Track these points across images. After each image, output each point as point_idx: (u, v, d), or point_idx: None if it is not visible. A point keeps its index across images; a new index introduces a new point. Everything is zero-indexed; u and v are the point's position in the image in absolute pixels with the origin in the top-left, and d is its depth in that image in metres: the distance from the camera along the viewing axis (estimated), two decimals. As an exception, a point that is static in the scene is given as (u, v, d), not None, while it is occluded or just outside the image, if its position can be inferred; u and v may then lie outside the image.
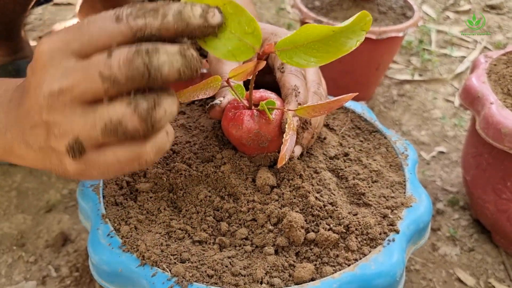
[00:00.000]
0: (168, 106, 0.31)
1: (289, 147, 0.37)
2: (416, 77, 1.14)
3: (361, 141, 0.53)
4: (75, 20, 1.27)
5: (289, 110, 0.39)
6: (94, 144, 0.31)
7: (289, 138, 0.37)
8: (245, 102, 0.42)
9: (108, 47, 0.30)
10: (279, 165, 0.37)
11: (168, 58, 0.29)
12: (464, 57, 1.22)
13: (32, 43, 1.20)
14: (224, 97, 0.43)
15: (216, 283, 0.37)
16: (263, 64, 0.36)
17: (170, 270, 0.37)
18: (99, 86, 0.29)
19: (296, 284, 0.37)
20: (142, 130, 0.30)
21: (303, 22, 0.97)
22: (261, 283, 0.36)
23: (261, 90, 0.44)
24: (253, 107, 0.42)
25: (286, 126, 0.37)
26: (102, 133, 0.30)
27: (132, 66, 0.28)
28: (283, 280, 0.37)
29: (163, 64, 0.29)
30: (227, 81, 0.39)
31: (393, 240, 0.40)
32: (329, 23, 0.89)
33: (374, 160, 0.50)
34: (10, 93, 0.37)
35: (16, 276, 0.64)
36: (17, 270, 0.65)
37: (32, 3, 0.78)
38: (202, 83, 0.37)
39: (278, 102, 0.42)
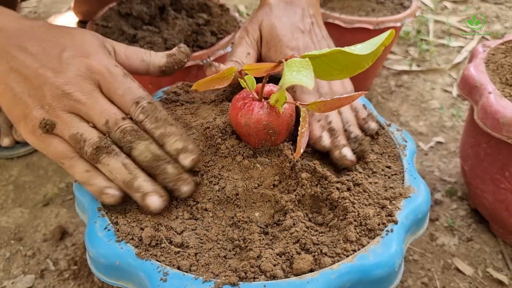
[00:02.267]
0: (113, 162, 0.39)
1: (305, 139, 0.37)
2: (414, 68, 1.13)
3: (359, 131, 0.53)
4: (70, 14, 1.26)
5: (301, 104, 0.40)
6: (60, 135, 0.40)
7: (305, 130, 0.37)
8: (255, 94, 0.42)
9: (118, 106, 0.41)
10: (296, 157, 0.38)
11: (144, 149, 0.40)
12: (462, 47, 1.22)
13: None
14: (221, 64, 0.49)
15: (216, 275, 0.36)
16: (281, 67, 0.37)
17: (168, 262, 0.37)
18: (100, 122, 0.40)
19: (296, 275, 0.37)
20: (90, 155, 0.40)
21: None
22: (265, 274, 0.36)
23: (270, 84, 0.45)
24: (263, 100, 0.42)
25: (301, 119, 0.38)
26: (70, 137, 0.40)
27: (125, 137, 0.40)
28: (284, 272, 0.37)
29: (138, 149, 0.40)
30: (240, 72, 0.40)
31: (392, 230, 0.40)
32: (326, 14, 0.88)
33: (372, 150, 0.50)
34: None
35: (14, 270, 0.64)
36: (15, 264, 0.65)
37: None
38: (218, 74, 0.40)
39: (288, 97, 0.43)
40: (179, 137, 0.41)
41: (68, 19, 1.26)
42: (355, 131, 0.49)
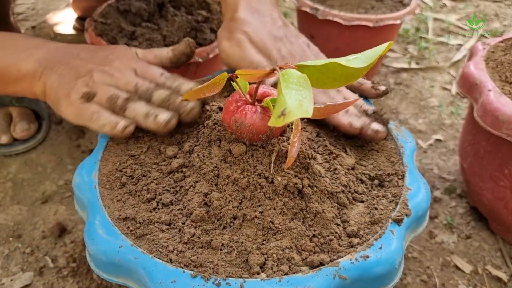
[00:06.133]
0: (138, 103, 0.49)
1: (297, 148, 0.37)
2: (413, 66, 1.13)
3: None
4: (68, 10, 1.25)
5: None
6: (97, 101, 0.50)
7: (296, 140, 0.36)
8: (248, 97, 0.42)
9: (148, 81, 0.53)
10: (287, 166, 0.38)
11: (161, 92, 0.50)
12: (461, 45, 1.22)
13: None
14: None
15: (216, 272, 0.36)
16: (274, 74, 0.37)
17: (168, 259, 0.37)
18: (131, 85, 0.51)
19: (297, 272, 0.37)
20: (121, 105, 0.49)
21: (299, 10, 0.96)
22: (267, 271, 0.36)
23: (264, 86, 0.44)
24: (256, 103, 0.42)
25: (293, 127, 0.37)
26: (107, 98, 0.49)
27: (148, 89, 0.51)
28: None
29: (157, 93, 0.51)
30: (232, 76, 0.40)
31: (392, 228, 0.40)
32: (325, 11, 0.88)
33: (373, 148, 0.50)
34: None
35: (13, 267, 0.64)
36: (14, 261, 0.65)
37: None
38: (210, 82, 0.40)
39: None
40: (192, 82, 0.52)
41: (67, 15, 1.26)
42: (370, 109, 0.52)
